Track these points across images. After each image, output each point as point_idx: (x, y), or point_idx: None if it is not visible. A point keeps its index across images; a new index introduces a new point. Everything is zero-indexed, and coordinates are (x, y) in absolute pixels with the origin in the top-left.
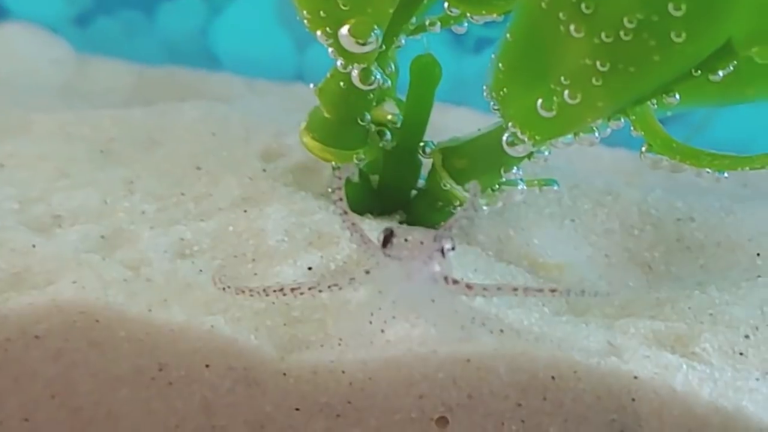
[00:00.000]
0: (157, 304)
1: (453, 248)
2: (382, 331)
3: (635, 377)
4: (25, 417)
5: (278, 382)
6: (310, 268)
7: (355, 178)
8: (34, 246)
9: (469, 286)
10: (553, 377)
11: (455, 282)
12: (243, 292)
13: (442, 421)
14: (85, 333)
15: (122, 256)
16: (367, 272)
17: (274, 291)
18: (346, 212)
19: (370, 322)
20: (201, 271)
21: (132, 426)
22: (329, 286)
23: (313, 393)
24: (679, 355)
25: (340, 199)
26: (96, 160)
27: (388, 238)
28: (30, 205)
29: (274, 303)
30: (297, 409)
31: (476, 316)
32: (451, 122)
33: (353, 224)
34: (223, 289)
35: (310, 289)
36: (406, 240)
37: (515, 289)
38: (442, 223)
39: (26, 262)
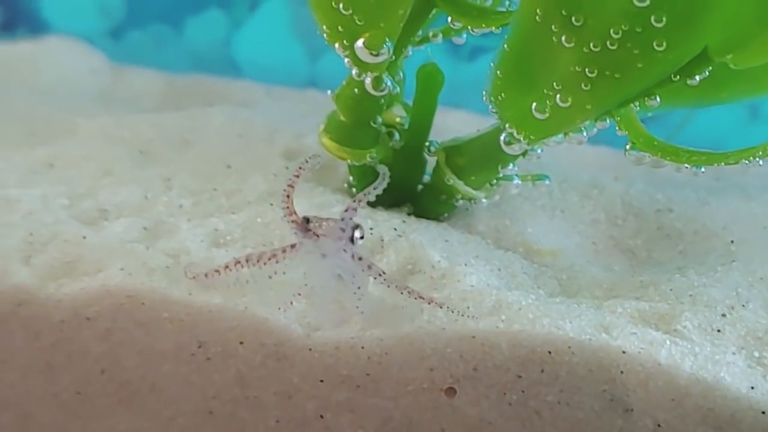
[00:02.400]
0: (197, 288)
1: (362, 237)
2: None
3: (623, 352)
4: (77, 390)
5: (305, 357)
6: None
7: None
8: (84, 237)
9: (369, 266)
10: (549, 352)
11: (360, 258)
12: (206, 275)
13: (451, 391)
14: (132, 314)
15: (164, 245)
16: (293, 246)
17: (225, 267)
18: (291, 185)
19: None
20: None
21: (173, 397)
22: (267, 259)
23: (336, 366)
24: (662, 332)
25: (296, 176)
26: (136, 160)
27: (306, 223)
28: (79, 201)
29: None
30: (321, 381)
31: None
32: (449, 124)
33: (288, 196)
34: (194, 277)
35: (248, 261)
36: (321, 225)
37: (405, 289)
38: (445, 216)
39: (78, 251)
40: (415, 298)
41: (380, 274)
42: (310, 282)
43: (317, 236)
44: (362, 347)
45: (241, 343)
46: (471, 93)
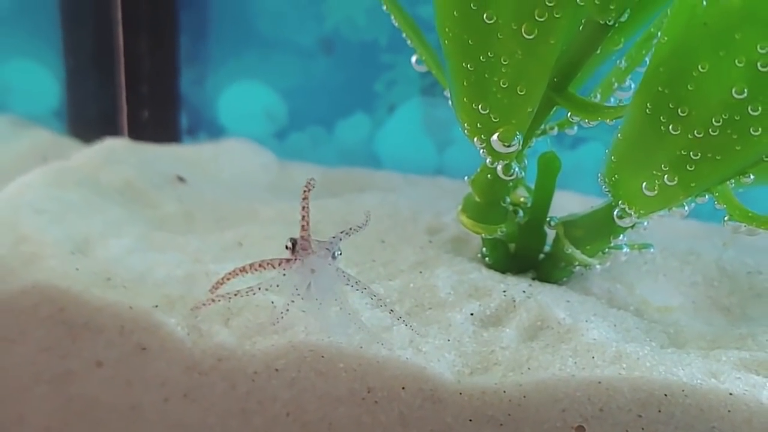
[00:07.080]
0: (366, 343)
1: (340, 253)
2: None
3: (730, 394)
4: (267, 431)
5: (456, 400)
6: (471, 314)
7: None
8: (272, 303)
9: (348, 277)
10: (665, 395)
11: (343, 272)
12: (203, 305)
13: (580, 429)
14: (313, 365)
15: (336, 309)
16: (287, 260)
17: (230, 274)
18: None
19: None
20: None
21: None
22: (265, 267)
23: (482, 408)
24: (762, 377)
25: (306, 197)
26: None
27: (294, 245)
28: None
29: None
30: (470, 420)
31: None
32: (557, 202)
33: (305, 216)
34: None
35: (251, 267)
36: (306, 243)
37: (374, 296)
38: (564, 280)
39: (268, 315)
40: (380, 305)
41: (356, 283)
42: (302, 292)
43: (312, 252)
44: (504, 391)
45: (403, 388)
46: (574, 176)
